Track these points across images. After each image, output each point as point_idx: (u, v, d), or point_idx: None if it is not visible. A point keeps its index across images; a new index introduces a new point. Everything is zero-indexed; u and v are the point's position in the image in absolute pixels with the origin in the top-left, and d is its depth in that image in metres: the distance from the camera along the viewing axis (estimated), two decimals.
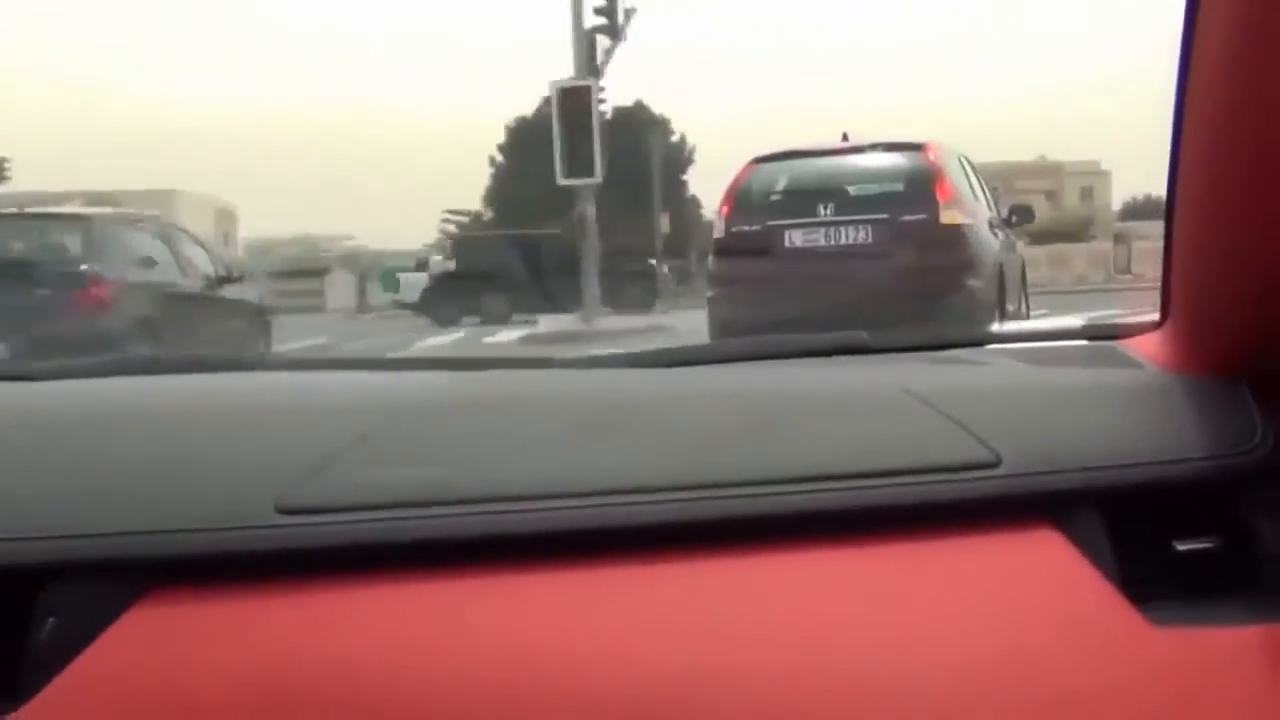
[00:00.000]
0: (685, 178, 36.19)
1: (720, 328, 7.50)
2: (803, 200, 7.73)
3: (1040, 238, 22.92)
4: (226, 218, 34.97)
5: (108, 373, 1.06)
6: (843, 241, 7.51)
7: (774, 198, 7.89)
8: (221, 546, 0.69)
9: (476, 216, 37.81)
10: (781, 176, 7.97)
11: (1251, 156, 0.72)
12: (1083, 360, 0.99)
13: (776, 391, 0.91)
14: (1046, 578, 0.71)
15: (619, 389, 0.96)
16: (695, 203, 34.80)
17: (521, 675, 0.65)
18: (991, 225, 8.06)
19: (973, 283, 7.26)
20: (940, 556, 0.71)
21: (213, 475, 0.75)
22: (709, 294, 8.13)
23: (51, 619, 0.67)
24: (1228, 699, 0.66)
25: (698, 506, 0.71)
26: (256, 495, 0.71)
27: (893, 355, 1.11)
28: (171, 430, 0.84)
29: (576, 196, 15.24)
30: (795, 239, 7.63)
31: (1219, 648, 0.68)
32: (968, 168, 8.26)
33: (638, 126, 30.55)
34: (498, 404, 0.89)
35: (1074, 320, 1.44)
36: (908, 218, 7.36)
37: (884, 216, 7.42)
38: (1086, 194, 46.45)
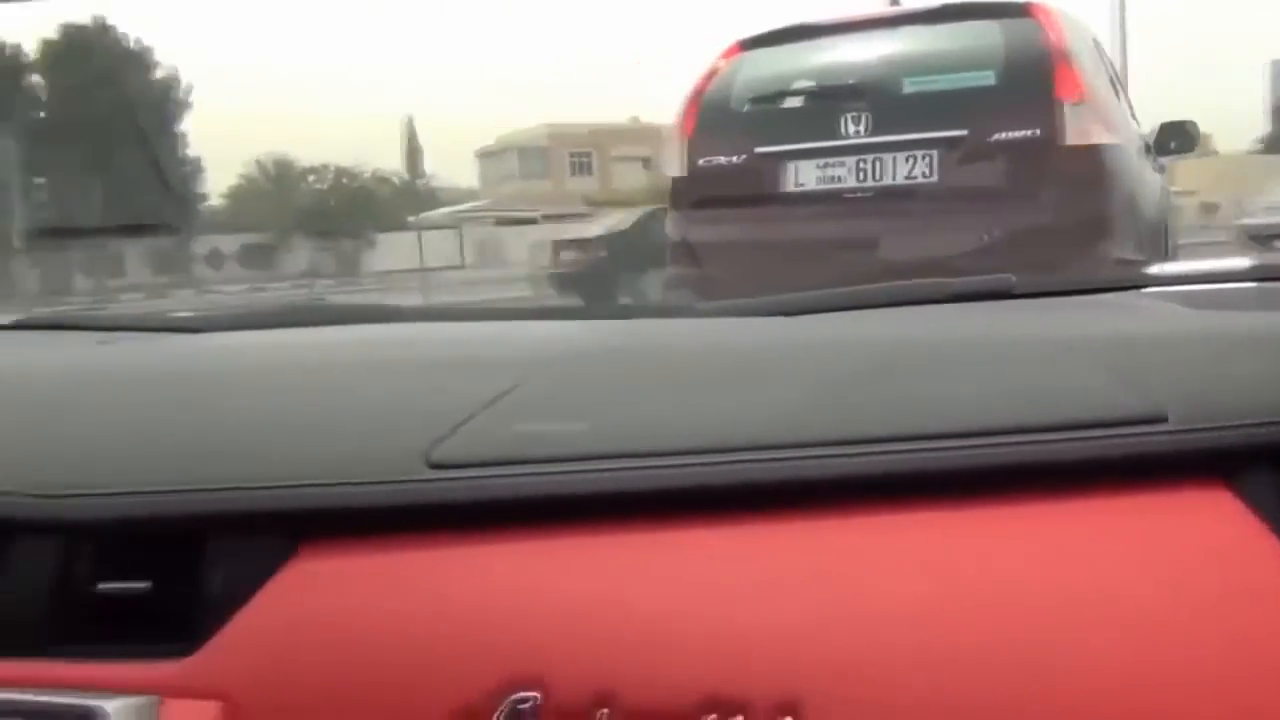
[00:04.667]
0: (181, 129, 29.22)
1: None
2: (818, 110, 4.40)
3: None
4: None
5: (266, 325, 1.14)
6: (886, 180, 4.20)
7: (767, 107, 4.55)
8: (373, 501, 0.71)
9: None
10: (781, 70, 4.61)
11: None
12: (1251, 303, 0.95)
13: (918, 340, 0.91)
14: (1218, 541, 0.67)
15: (756, 338, 0.98)
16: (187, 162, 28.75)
17: (668, 629, 0.66)
18: (1146, 152, 4.68)
19: (1127, 257, 3.94)
20: (1102, 518, 0.68)
21: (365, 428, 0.79)
22: (668, 271, 4.92)
23: (218, 568, 0.71)
24: None
25: (842, 463, 0.70)
26: (408, 449, 0.73)
27: (1040, 300, 1.07)
28: (326, 382, 0.90)
29: None
30: (803, 176, 4.32)
31: None
32: (1103, 56, 4.85)
33: (94, 56, 24.58)
34: (640, 354, 0.94)
35: (1239, 260, 1.13)
36: (1005, 134, 4.05)
37: (961, 133, 4.11)
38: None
